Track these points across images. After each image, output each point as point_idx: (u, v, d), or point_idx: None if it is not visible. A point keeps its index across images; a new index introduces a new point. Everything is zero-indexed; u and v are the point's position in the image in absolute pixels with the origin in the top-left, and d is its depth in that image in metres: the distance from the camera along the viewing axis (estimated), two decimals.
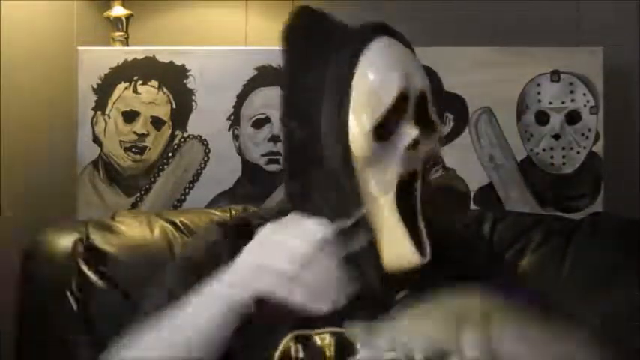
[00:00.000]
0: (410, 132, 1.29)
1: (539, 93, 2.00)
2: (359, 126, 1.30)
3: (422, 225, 1.31)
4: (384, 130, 1.30)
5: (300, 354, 1.30)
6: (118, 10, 2.10)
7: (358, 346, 1.27)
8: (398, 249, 1.30)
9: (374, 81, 1.31)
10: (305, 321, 1.28)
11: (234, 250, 1.32)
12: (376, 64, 1.32)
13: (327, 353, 1.29)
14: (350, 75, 1.32)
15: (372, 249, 1.31)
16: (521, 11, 2.16)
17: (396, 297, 1.32)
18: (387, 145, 1.30)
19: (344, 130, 1.31)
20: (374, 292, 1.30)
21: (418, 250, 1.29)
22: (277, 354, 1.29)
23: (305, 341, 1.30)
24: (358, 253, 1.27)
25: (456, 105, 2.00)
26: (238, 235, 1.36)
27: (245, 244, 1.32)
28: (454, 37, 2.12)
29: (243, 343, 1.30)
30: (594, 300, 1.64)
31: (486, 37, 2.13)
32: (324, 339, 1.30)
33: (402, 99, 1.30)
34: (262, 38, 2.21)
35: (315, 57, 1.38)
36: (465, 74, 1.98)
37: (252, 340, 1.31)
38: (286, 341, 1.30)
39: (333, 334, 1.30)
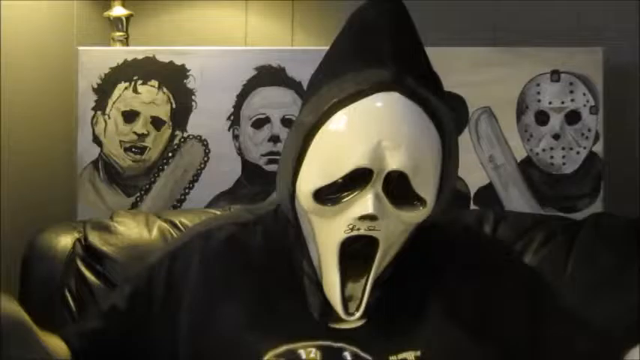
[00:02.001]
0: (363, 205, 1.20)
1: (539, 93, 2.00)
2: (306, 184, 1.23)
3: (368, 287, 1.24)
4: (336, 195, 1.21)
5: None
6: (118, 10, 2.10)
7: (348, 357, 1.26)
8: (329, 295, 1.26)
9: (332, 147, 1.22)
10: (288, 337, 1.27)
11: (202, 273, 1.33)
12: (344, 127, 1.21)
13: None
14: (316, 126, 1.23)
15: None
16: (521, 11, 2.16)
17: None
18: (336, 210, 1.22)
19: (295, 175, 1.24)
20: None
21: (346, 309, 1.23)
22: None
23: (289, 356, 1.27)
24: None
25: (456, 105, 2.00)
26: (212, 252, 1.34)
27: (219, 258, 1.33)
28: (454, 37, 2.12)
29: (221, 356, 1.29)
30: (596, 300, 1.63)
31: (486, 37, 2.13)
32: (309, 353, 1.27)
33: (365, 174, 1.20)
34: (262, 38, 2.21)
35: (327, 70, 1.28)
36: (465, 74, 1.98)
37: (230, 353, 1.29)
38: (269, 357, 1.27)
39: (318, 347, 1.27)
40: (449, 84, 1.97)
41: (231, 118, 2.00)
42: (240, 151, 2.00)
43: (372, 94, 1.21)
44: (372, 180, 1.20)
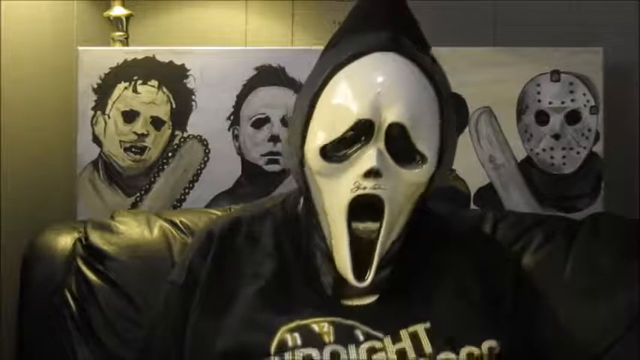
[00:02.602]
0: (367, 160, 1.26)
1: (539, 93, 2.00)
2: (313, 142, 1.30)
3: (377, 254, 1.29)
4: (342, 152, 1.28)
5: (299, 341, 1.30)
6: (118, 10, 2.10)
7: (359, 335, 1.29)
8: (340, 264, 1.30)
9: (334, 105, 1.29)
10: (301, 314, 1.32)
11: (220, 260, 1.39)
12: (345, 85, 1.29)
13: (327, 339, 1.30)
14: (320, 89, 1.31)
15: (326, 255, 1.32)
16: (521, 11, 2.16)
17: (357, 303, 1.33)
18: (342, 167, 1.28)
19: (303, 139, 1.31)
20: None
21: (358, 274, 1.28)
22: (274, 345, 1.30)
23: (302, 330, 1.31)
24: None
25: (456, 105, 1.99)
26: (224, 239, 1.40)
27: (234, 246, 1.38)
28: (454, 37, 2.12)
29: (240, 339, 1.32)
30: (595, 300, 1.63)
31: (486, 37, 2.13)
32: (322, 327, 1.31)
33: (366, 126, 1.27)
34: (262, 38, 2.21)
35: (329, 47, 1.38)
36: (465, 74, 1.98)
37: (248, 335, 1.32)
38: (282, 332, 1.31)
39: (330, 322, 1.31)
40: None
41: (231, 118, 2.00)
42: (240, 151, 2.00)
43: (370, 54, 1.30)
44: (373, 134, 1.26)
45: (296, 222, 1.41)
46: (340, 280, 1.31)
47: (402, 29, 1.33)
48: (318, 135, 1.30)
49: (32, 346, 1.72)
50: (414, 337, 1.30)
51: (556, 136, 2.00)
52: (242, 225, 1.43)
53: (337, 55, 1.32)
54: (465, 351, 1.30)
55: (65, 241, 1.75)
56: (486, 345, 1.31)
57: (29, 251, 1.75)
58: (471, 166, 1.98)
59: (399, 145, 1.28)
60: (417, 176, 1.29)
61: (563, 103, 1.99)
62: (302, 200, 1.41)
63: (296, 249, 1.38)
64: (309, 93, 1.32)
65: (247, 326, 1.33)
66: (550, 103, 1.99)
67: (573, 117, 1.99)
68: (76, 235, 1.75)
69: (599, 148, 1.99)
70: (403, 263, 1.34)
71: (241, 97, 2.00)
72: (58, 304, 1.70)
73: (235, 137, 2.00)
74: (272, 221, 1.42)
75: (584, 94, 1.98)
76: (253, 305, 1.34)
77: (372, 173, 1.26)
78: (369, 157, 1.26)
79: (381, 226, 1.28)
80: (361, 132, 1.27)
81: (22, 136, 1.92)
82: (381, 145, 1.27)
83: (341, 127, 1.27)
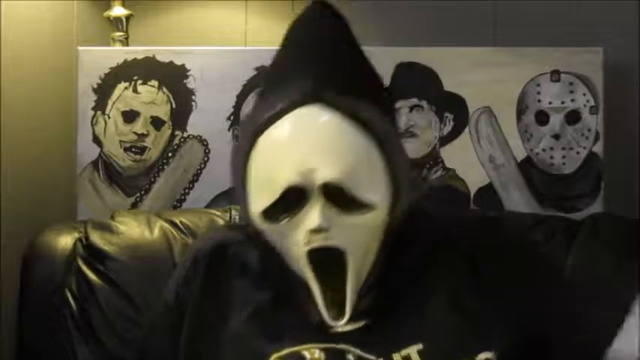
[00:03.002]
0: (310, 219, 1.21)
1: (539, 93, 2.00)
2: (254, 206, 1.25)
3: (348, 298, 1.24)
4: (283, 215, 1.23)
5: None
6: (118, 10, 2.10)
7: (350, 357, 1.27)
8: (318, 304, 1.27)
9: (261, 173, 1.24)
10: (291, 342, 1.28)
11: (207, 284, 1.36)
12: (267, 152, 1.23)
13: None
14: (247, 155, 1.25)
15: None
16: (521, 11, 2.16)
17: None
18: (290, 226, 1.24)
19: (245, 203, 1.27)
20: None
21: (335, 313, 1.25)
22: None
23: (293, 357, 1.28)
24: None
25: (456, 105, 2.00)
26: (210, 266, 1.37)
27: (222, 271, 1.35)
28: (454, 37, 2.12)
29: None
30: (595, 300, 1.63)
31: (486, 37, 2.13)
32: (313, 353, 1.28)
33: (298, 191, 1.21)
34: (262, 38, 2.21)
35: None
36: (465, 74, 1.98)
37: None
38: (274, 359, 1.28)
39: (322, 349, 1.28)
40: (449, 84, 2.00)
41: (231, 118, 2.00)
42: None
43: (292, 110, 1.22)
44: (308, 197, 1.21)
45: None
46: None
47: (326, 76, 1.24)
48: (255, 200, 1.25)
49: (32, 346, 1.72)
50: None
51: (556, 136, 2.00)
52: (228, 250, 1.38)
53: (260, 113, 1.25)
54: None
55: (65, 241, 1.75)
56: (482, 358, 1.27)
57: (29, 251, 1.75)
58: (471, 166, 1.98)
59: (342, 197, 1.22)
60: (368, 222, 1.24)
61: (563, 103, 1.99)
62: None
63: (282, 275, 1.32)
64: (239, 158, 1.27)
65: (238, 354, 1.31)
66: (550, 103, 2.00)
67: (573, 117, 2.00)
68: (76, 235, 1.76)
69: (599, 148, 1.99)
70: (391, 283, 1.30)
71: (241, 97, 2.00)
72: (58, 304, 1.70)
73: (235, 137, 2.00)
74: (256, 246, 1.37)
75: (584, 94, 1.99)
76: (244, 332, 1.31)
77: (317, 231, 1.22)
78: (311, 216, 1.21)
79: (346, 271, 1.24)
80: (295, 197, 1.22)
81: (22, 136, 1.92)
82: (321, 202, 1.21)
83: (272, 195, 1.22)
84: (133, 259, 1.71)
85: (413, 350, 1.27)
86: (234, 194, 1.32)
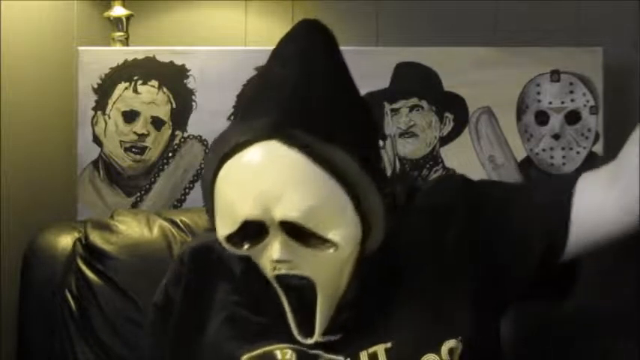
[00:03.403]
0: (272, 251, 1.21)
1: (539, 93, 2.00)
2: (218, 229, 1.25)
3: (320, 316, 1.24)
4: (246, 242, 1.23)
5: None
6: (118, 10, 2.10)
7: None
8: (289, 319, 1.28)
9: (224, 201, 1.23)
10: (265, 342, 1.29)
11: (191, 286, 1.37)
12: (229, 181, 1.22)
13: None
14: (213, 180, 1.24)
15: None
16: (521, 11, 2.16)
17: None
18: (255, 252, 1.24)
19: (213, 223, 1.27)
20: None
21: (305, 330, 1.25)
22: None
23: (265, 357, 1.28)
24: None
25: (456, 105, 2.00)
26: (194, 269, 1.38)
27: (206, 273, 1.37)
28: (454, 37, 2.12)
29: None
30: (594, 300, 1.63)
31: (486, 37, 2.13)
32: (285, 354, 1.28)
33: (257, 225, 1.21)
34: (262, 38, 2.21)
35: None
36: (465, 74, 1.98)
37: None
38: (246, 359, 1.29)
39: (294, 350, 1.28)
40: (449, 84, 2.00)
41: (231, 118, 2.00)
42: None
43: (252, 144, 1.20)
44: (269, 231, 1.21)
45: None
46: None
47: (292, 112, 1.21)
48: (220, 225, 1.25)
49: (32, 346, 1.72)
50: (374, 358, 1.26)
51: (556, 136, 2.00)
52: (212, 252, 1.38)
53: (230, 137, 1.23)
54: None
55: (65, 241, 1.75)
56: (446, 348, 1.26)
57: (29, 251, 1.75)
58: (470, 166, 1.98)
59: (302, 233, 1.20)
60: (333, 258, 1.22)
61: (563, 103, 1.99)
62: None
63: (259, 280, 1.31)
64: (206, 180, 1.26)
65: (213, 354, 1.32)
66: (550, 103, 2.00)
67: (573, 117, 2.00)
68: (76, 235, 1.75)
69: (598, 148, 1.99)
70: (361, 302, 1.29)
71: (241, 98, 2.00)
72: (58, 303, 1.70)
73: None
74: (237, 257, 1.36)
75: (584, 94, 1.99)
76: (218, 336, 1.33)
77: (280, 262, 1.22)
78: (272, 250, 1.21)
79: (316, 296, 1.24)
80: (256, 229, 1.21)
81: (22, 136, 1.92)
82: (282, 237, 1.20)
83: (233, 224, 1.21)
84: (133, 258, 1.71)
85: (380, 348, 1.27)
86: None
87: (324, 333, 1.26)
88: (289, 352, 1.28)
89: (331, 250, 1.21)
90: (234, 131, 1.24)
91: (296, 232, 1.20)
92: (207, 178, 1.25)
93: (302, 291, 1.24)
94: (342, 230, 1.20)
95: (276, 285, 1.25)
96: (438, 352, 1.26)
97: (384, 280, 1.30)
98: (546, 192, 1.33)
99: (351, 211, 1.21)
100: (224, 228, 1.23)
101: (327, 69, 1.27)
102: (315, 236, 1.20)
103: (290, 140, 1.19)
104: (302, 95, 1.23)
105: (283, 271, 1.22)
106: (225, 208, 1.23)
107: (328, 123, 1.22)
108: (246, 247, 1.24)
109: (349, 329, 1.28)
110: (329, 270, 1.24)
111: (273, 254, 1.21)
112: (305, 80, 1.24)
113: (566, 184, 1.31)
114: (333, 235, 1.20)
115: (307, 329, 1.26)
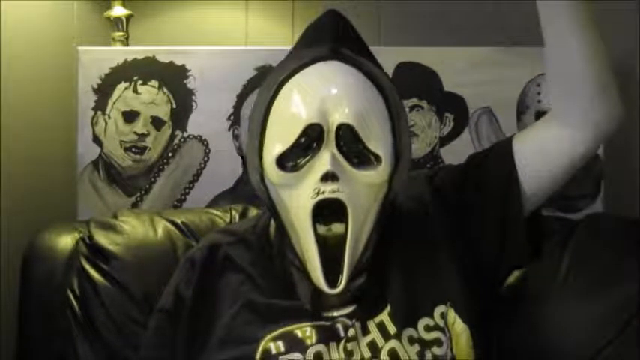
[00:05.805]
0: (322, 165, 1.31)
1: (539, 93, 2.00)
2: (269, 155, 1.35)
3: (347, 256, 1.33)
4: (297, 161, 1.33)
5: (282, 348, 1.35)
6: (118, 10, 2.10)
7: (340, 327, 1.34)
8: (313, 274, 1.34)
9: (284, 115, 1.35)
10: (278, 321, 1.37)
11: (202, 284, 1.45)
12: (292, 95, 1.35)
13: (309, 342, 1.34)
14: (270, 103, 1.36)
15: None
16: (521, 11, 2.16)
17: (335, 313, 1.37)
18: (300, 175, 1.33)
19: (260, 155, 1.36)
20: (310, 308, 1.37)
21: (330, 282, 1.32)
22: (258, 354, 1.35)
23: (285, 337, 1.35)
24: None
25: (455, 105, 2.00)
26: (205, 270, 1.46)
27: (215, 271, 1.45)
28: (454, 37, 2.12)
29: (225, 354, 1.36)
30: (593, 300, 1.63)
31: (486, 37, 2.13)
32: (304, 331, 1.35)
33: (316, 131, 1.32)
34: (262, 38, 2.21)
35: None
36: (465, 74, 1.98)
37: (232, 350, 1.34)
38: (265, 342, 1.35)
39: (312, 326, 1.36)
40: (449, 84, 2.00)
41: (231, 118, 2.00)
42: (240, 151, 2.00)
43: (315, 63, 1.36)
44: (324, 139, 1.32)
45: (267, 242, 1.46)
46: (318, 294, 1.36)
47: (343, 41, 1.39)
48: (273, 147, 1.34)
49: (32, 345, 1.72)
50: (381, 326, 1.35)
51: None
52: (220, 250, 1.47)
53: (283, 68, 1.38)
54: (422, 323, 1.36)
55: (66, 241, 1.75)
56: (438, 312, 1.37)
57: (29, 251, 1.75)
58: None
59: (352, 148, 1.33)
60: (373, 177, 1.34)
61: None
62: (272, 221, 1.45)
63: (272, 270, 1.43)
64: (261, 109, 1.37)
65: (232, 341, 1.38)
66: (550, 103, 1.99)
67: None
68: (77, 234, 1.75)
69: (599, 148, 1.98)
70: (378, 269, 1.38)
71: (241, 97, 2.00)
72: (59, 303, 1.70)
73: (235, 137, 2.00)
74: (246, 246, 1.47)
75: None
76: (236, 324, 1.39)
77: (328, 177, 1.31)
78: (323, 161, 1.31)
79: (347, 229, 1.32)
80: (312, 138, 1.33)
81: (22, 136, 1.92)
82: (334, 149, 1.32)
83: (292, 135, 1.33)
84: (138, 258, 1.71)
85: (385, 316, 1.36)
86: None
87: (339, 306, 1.36)
88: (308, 329, 1.35)
89: (372, 172, 1.33)
90: (289, 62, 1.39)
91: (346, 146, 1.32)
92: (259, 109, 1.37)
93: (329, 241, 1.33)
94: (383, 144, 1.34)
95: (307, 228, 1.32)
96: (431, 315, 1.37)
97: (384, 250, 1.40)
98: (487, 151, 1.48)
99: (389, 131, 1.35)
100: (280, 145, 1.33)
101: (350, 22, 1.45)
102: (362, 152, 1.33)
103: (343, 59, 1.36)
104: (345, 29, 1.42)
105: (324, 196, 1.31)
106: (285, 123, 1.34)
107: (366, 49, 1.42)
108: (295, 167, 1.33)
109: (360, 300, 1.37)
110: (364, 196, 1.33)
111: (323, 167, 1.31)
112: (344, 21, 1.43)
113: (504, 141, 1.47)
114: (376, 148, 1.33)
115: (333, 281, 1.32)
